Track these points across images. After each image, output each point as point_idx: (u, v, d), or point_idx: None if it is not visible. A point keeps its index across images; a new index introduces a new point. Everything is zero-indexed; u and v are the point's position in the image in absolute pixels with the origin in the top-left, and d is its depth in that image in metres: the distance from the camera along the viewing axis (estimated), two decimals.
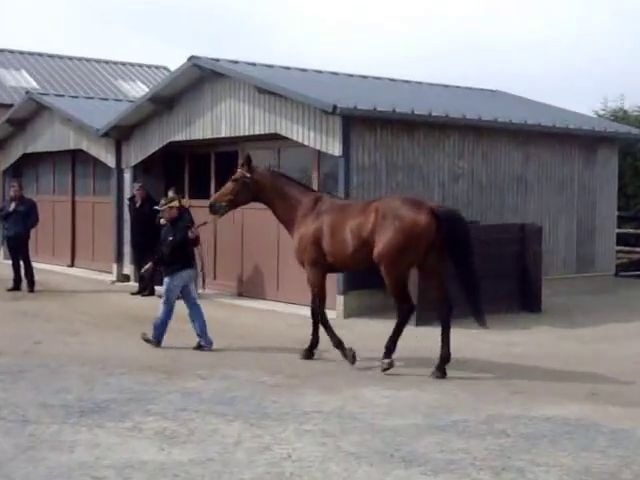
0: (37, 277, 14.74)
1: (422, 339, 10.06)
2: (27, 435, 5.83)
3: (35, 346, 9.50)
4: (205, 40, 53.20)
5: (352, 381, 7.83)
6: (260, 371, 8.19)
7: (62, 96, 19.43)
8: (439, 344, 8.33)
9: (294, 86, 12.60)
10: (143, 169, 16.00)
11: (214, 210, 9.39)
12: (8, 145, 20.17)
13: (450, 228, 8.12)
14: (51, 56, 28.83)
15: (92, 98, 20.07)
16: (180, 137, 14.72)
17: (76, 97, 19.69)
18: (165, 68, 30.12)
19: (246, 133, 13.33)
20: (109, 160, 16.46)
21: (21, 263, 14.51)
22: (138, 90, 27.51)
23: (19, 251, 14.52)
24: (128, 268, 16.06)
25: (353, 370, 8.40)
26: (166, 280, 9.58)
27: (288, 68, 14.87)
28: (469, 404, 6.96)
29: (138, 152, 15.81)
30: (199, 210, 14.60)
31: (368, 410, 6.69)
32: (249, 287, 14.01)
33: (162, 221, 9.80)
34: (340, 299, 11.90)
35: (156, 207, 10.15)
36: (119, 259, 16.30)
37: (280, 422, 6.25)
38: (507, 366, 8.78)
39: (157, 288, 14.18)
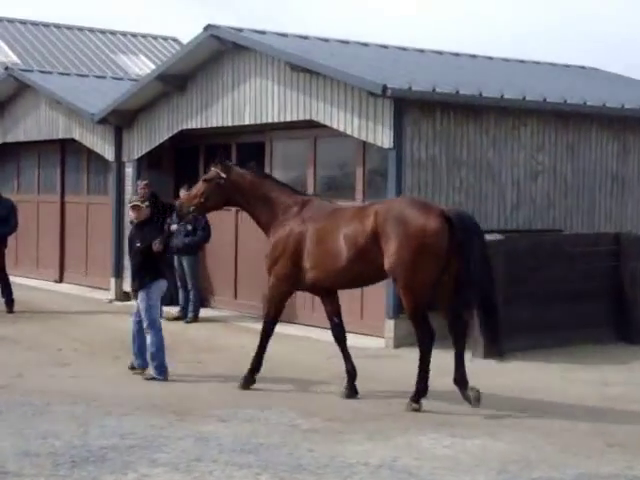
0: (17, 294, 14.94)
1: (493, 374, 10.01)
2: None
3: (15, 379, 9.64)
4: (220, 6, 53.64)
5: (404, 426, 7.83)
6: (292, 412, 8.22)
7: (49, 73, 19.72)
8: (516, 382, 8.30)
9: (335, 62, 12.66)
10: (148, 163, 16.18)
11: (180, 215, 9.97)
12: None
13: (464, 234, 8.32)
14: (35, 24, 29.25)
15: (86, 76, 20.36)
16: (194, 124, 14.86)
17: (67, 74, 19.98)
18: (175, 40, 30.42)
19: (275, 120, 13.41)
20: (107, 152, 16.66)
21: None
22: (142, 66, 27.81)
23: None
24: (129, 284, 16.18)
25: (405, 413, 8.38)
26: (141, 296, 9.80)
27: (326, 40, 14.95)
28: (554, 458, 6.91)
29: (143, 142, 15.99)
30: (216, 214, 14.71)
31: (426, 463, 6.67)
32: None
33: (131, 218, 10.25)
34: (389, 324, 11.90)
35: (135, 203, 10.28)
36: (118, 273, 16.47)
37: (318, 476, 6.26)
38: (601, 411, 8.71)
39: (165, 309, 14.32)
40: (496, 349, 8.38)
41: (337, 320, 9.33)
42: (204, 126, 14.75)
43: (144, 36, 30.35)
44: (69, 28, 29.28)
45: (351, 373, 9.13)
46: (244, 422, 7.87)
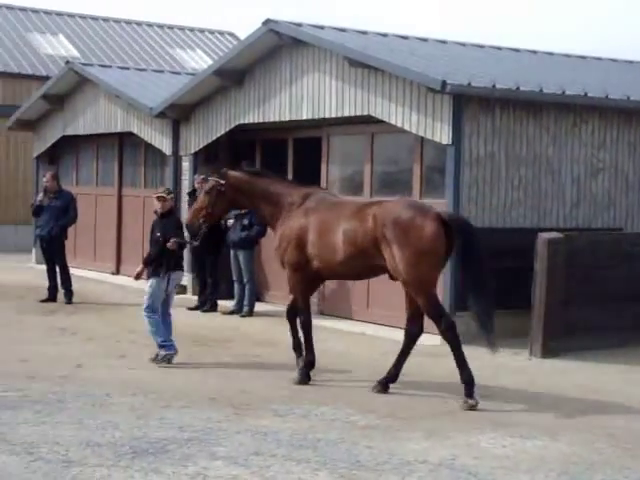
0: (75, 286, 15.13)
1: (551, 373, 9.90)
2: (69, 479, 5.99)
3: (75, 370, 9.76)
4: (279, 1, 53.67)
5: (463, 425, 7.78)
6: (349, 409, 8.22)
7: (109, 67, 19.94)
8: (575, 382, 8.20)
9: (394, 57, 12.61)
10: (205, 157, 16.26)
11: (192, 232, 10.53)
12: (43, 125, 20.81)
13: (461, 236, 8.66)
14: (94, 18, 29.65)
15: (144, 70, 20.53)
16: (251, 119, 14.91)
17: (126, 68, 20.18)
18: (231, 34, 30.61)
19: (333, 115, 13.41)
20: (165, 145, 16.79)
21: (57, 269, 14.91)
22: (198, 61, 28.03)
23: (54, 254, 14.92)
24: (186, 278, 16.30)
25: (463, 412, 8.33)
26: (152, 282, 10.37)
27: (385, 35, 14.90)
28: (618, 461, 6.82)
29: (200, 136, 16.08)
30: None
31: (485, 463, 6.63)
32: (332, 304, 14.07)
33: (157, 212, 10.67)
34: None
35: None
36: None
37: (377, 473, 6.25)
38: None
39: (221, 303, 14.43)
40: (491, 341, 8.72)
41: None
42: (261, 121, 14.80)
43: (201, 31, 30.57)
44: (128, 23, 29.60)
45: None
46: (301, 417, 7.88)
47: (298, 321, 9.68)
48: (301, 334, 9.69)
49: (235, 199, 9.80)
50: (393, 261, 8.68)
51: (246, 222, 14.03)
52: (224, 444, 6.91)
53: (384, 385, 9.09)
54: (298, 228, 9.29)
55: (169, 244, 10.19)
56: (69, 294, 14.85)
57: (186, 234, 11.03)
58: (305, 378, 9.40)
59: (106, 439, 6.93)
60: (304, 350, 9.62)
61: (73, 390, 8.64)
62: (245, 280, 14.15)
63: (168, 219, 10.51)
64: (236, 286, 14.31)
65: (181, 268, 10.57)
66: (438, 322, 8.77)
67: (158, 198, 10.58)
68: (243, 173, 9.81)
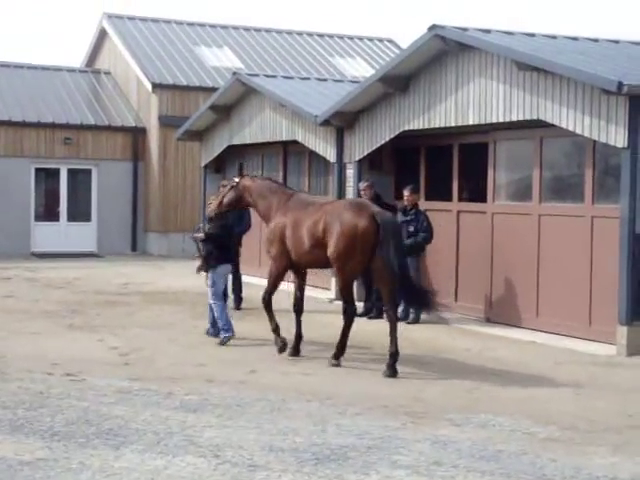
0: (244, 292, 15.42)
1: None
2: None
3: (251, 375, 9.94)
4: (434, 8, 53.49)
5: None
6: (527, 420, 8.05)
7: (273, 77, 20.28)
8: None
9: (564, 59, 12.30)
10: (369, 164, 16.30)
11: (209, 217, 12.22)
12: (211, 135, 21.36)
13: (386, 232, 10.10)
14: (257, 30, 30.29)
15: (308, 79, 20.76)
16: (416, 125, 14.84)
17: (290, 78, 20.47)
18: (390, 41, 30.64)
19: (500, 120, 13.19)
20: (329, 153, 16.92)
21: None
22: (358, 68, 28.19)
23: None
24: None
25: None
26: (208, 276, 12.03)
27: (554, 37, 14.55)
28: None
29: (364, 143, 16.12)
30: (437, 214, 14.70)
31: None
32: (500, 311, 13.83)
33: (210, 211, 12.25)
34: (622, 331, 11.42)
35: None
36: None
37: None
38: None
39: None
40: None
41: (299, 294, 11.53)
42: (426, 127, 14.70)
43: (360, 38, 30.74)
44: (289, 33, 30.08)
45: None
46: (479, 427, 7.76)
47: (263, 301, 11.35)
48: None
49: (242, 196, 11.72)
50: (330, 247, 10.35)
51: (411, 229, 13.96)
52: (404, 453, 6.87)
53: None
54: (280, 225, 11.01)
55: (195, 235, 12.30)
56: (239, 300, 15.14)
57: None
58: (281, 346, 11.11)
59: (288, 444, 7.01)
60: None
61: (251, 395, 8.80)
62: None
63: (216, 221, 12.08)
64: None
65: (229, 261, 12.29)
66: (347, 303, 10.67)
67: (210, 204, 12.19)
68: (253, 177, 12.06)
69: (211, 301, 12.06)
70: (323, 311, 15.39)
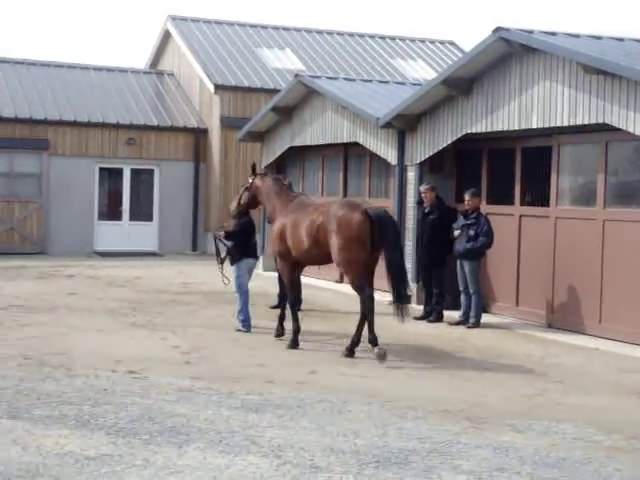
0: (303, 294, 15.43)
1: None
2: None
3: (311, 376, 9.96)
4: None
5: None
6: (590, 427, 7.95)
7: (335, 79, 20.29)
8: None
9: (632, 62, 12.11)
10: (430, 167, 16.21)
11: (233, 215, 13.13)
12: (272, 137, 21.45)
13: (380, 227, 10.79)
14: (319, 32, 30.36)
15: (370, 81, 20.72)
16: (478, 128, 14.74)
17: (352, 80, 20.48)
18: (452, 43, 30.48)
19: (565, 124, 13.04)
20: (390, 155, 16.89)
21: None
22: (419, 70, 28.10)
23: None
24: (411, 287, 16.33)
25: None
26: (233, 269, 12.89)
27: (621, 39, 14.35)
28: None
29: (425, 146, 16.06)
30: (500, 218, 14.59)
31: None
32: (562, 317, 13.67)
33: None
34: None
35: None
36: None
37: None
38: None
39: (446, 313, 14.34)
40: (401, 311, 11.01)
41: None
42: (489, 130, 14.59)
43: (422, 40, 30.65)
44: (350, 35, 30.11)
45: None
46: (541, 434, 7.68)
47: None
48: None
49: (255, 196, 12.66)
50: (331, 244, 11.00)
51: (472, 233, 13.88)
52: (465, 458, 6.84)
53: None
54: (282, 225, 11.76)
55: (217, 233, 13.30)
56: (298, 302, 15.14)
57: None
58: (294, 344, 11.60)
59: (349, 446, 7.02)
60: (296, 321, 11.82)
61: (311, 396, 8.82)
62: (471, 291, 13.99)
63: (238, 219, 12.98)
64: (462, 297, 14.17)
65: (252, 256, 12.89)
66: (361, 293, 11.05)
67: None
68: (266, 177, 12.78)
69: (236, 293, 12.86)
70: (382, 313, 15.31)
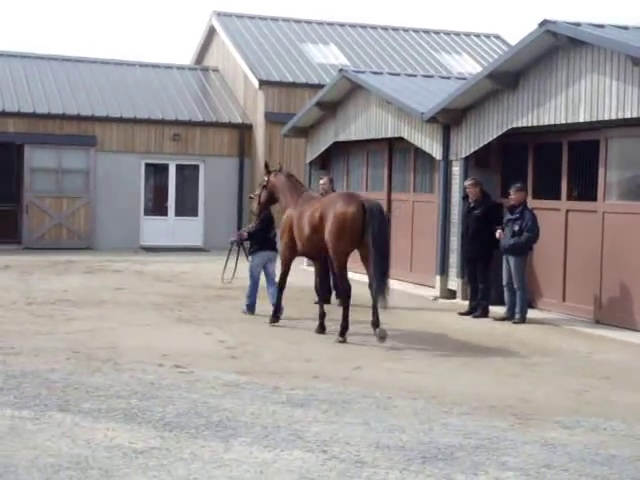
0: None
1: None
2: None
3: (355, 372, 9.95)
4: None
5: None
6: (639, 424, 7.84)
7: (379, 74, 20.22)
8: None
9: None
10: (476, 161, 16.10)
11: (254, 212, 14.21)
12: (316, 132, 21.46)
13: (372, 218, 11.61)
14: (363, 27, 30.31)
15: (414, 76, 20.65)
16: (524, 122, 14.61)
17: (396, 75, 20.40)
18: (497, 37, 30.28)
19: (613, 117, 12.88)
20: (435, 150, 16.81)
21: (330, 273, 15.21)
22: (464, 65, 27.95)
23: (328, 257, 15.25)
24: (455, 282, 16.28)
25: None
26: (250, 258, 13.99)
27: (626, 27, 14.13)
28: None
29: (471, 141, 15.96)
30: (546, 213, 14.46)
31: None
32: (611, 313, 13.50)
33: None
34: None
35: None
36: (444, 271, 16.58)
37: None
38: None
39: (492, 309, 14.26)
40: (381, 299, 11.77)
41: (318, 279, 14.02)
42: (535, 124, 14.45)
43: (467, 34, 30.46)
44: (395, 29, 30.03)
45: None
46: (589, 431, 7.60)
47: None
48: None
49: (272, 193, 13.37)
50: (326, 230, 11.89)
51: (516, 228, 13.75)
52: (512, 454, 6.79)
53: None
54: (289, 217, 12.77)
55: (233, 237, 14.65)
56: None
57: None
58: (275, 319, 12.94)
59: (394, 442, 7.00)
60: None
61: (356, 391, 8.81)
62: (516, 286, 13.86)
63: (261, 215, 13.85)
64: (506, 292, 14.05)
65: (268, 249, 13.82)
66: (340, 283, 12.19)
67: (250, 198, 14.82)
68: (280, 174, 13.38)
69: (249, 280, 13.86)
70: (427, 309, 15.34)
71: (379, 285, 11.70)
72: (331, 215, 11.86)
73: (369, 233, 11.63)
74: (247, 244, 14.17)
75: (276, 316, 13.02)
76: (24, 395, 8.16)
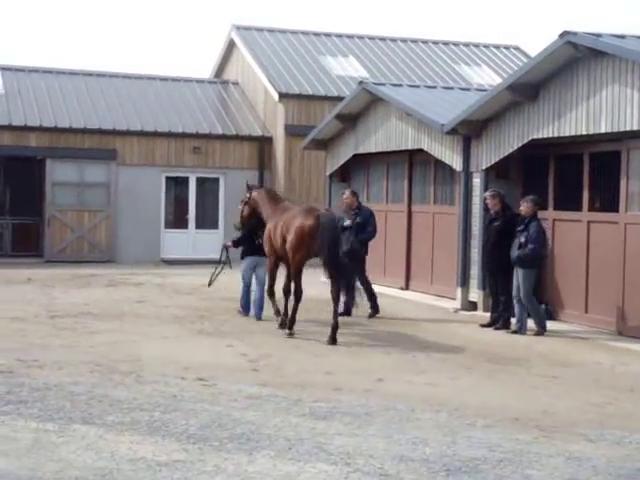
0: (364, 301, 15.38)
1: None
2: None
3: (377, 384, 9.93)
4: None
5: None
6: None
7: (399, 86, 20.26)
8: None
9: None
10: (496, 173, 16.08)
11: (237, 226, 15.33)
12: (336, 144, 21.50)
13: (322, 229, 12.72)
14: (382, 39, 30.36)
15: (434, 87, 20.67)
16: (545, 133, 14.59)
17: (416, 87, 20.43)
18: (517, 48, 30.24)
19: (635, 128, 12.83)
20: (455, 162, 16.80)
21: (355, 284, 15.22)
22: (484, 76, 27.94)
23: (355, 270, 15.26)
24: (476, 294, 16.24)
25: None
26: (243, 262, 15.00)
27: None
28: None
29: (491, 152, 15.94)
30: (568, 225, 14.41)
31: None
32: (633, 325, 13.42)
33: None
34: None
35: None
36: (464, 283, 16.54)
37: None
38: None
39: (513, 321, 14.18)
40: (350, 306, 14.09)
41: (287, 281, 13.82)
42: (555, 135, 14.43)
43: (486, 46, 30.45)
44: (414, 41, 30.07)
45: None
46: (614, 444, 7.56)
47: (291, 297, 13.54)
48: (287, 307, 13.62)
49: (255, 207, 14.43)
50: (287, 242, 13.03)
51: (523, 240, 13.63)
52: (536, 467, 6.76)
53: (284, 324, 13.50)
54: (269, 228, 13.74)
55: (225, 245, 15.60)
56: (375, 308, 15.21)
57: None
58: (282, 323, 13.50)
59: (418, 455, 6.99)
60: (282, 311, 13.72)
61: (379, 403, 8.80)
62: (521, 298, 13.69)
63: (257, 219, 14.55)
64: (516, 304, 13.84)
65: (256, 254, 14.63)
66: (296, 286, 13.19)
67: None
68: (261, 190, 14.83)
69: (241, 283, 14.98)
70: (448, 320, 15.31)
71: (333, 287, 12.92)
72: (292, 228, 13.05)
73: (322, 243, 12.75)
74: (233, 251, 15.34)
75: (285, 324, 13.47)
76: (48, 408, 8.20)
